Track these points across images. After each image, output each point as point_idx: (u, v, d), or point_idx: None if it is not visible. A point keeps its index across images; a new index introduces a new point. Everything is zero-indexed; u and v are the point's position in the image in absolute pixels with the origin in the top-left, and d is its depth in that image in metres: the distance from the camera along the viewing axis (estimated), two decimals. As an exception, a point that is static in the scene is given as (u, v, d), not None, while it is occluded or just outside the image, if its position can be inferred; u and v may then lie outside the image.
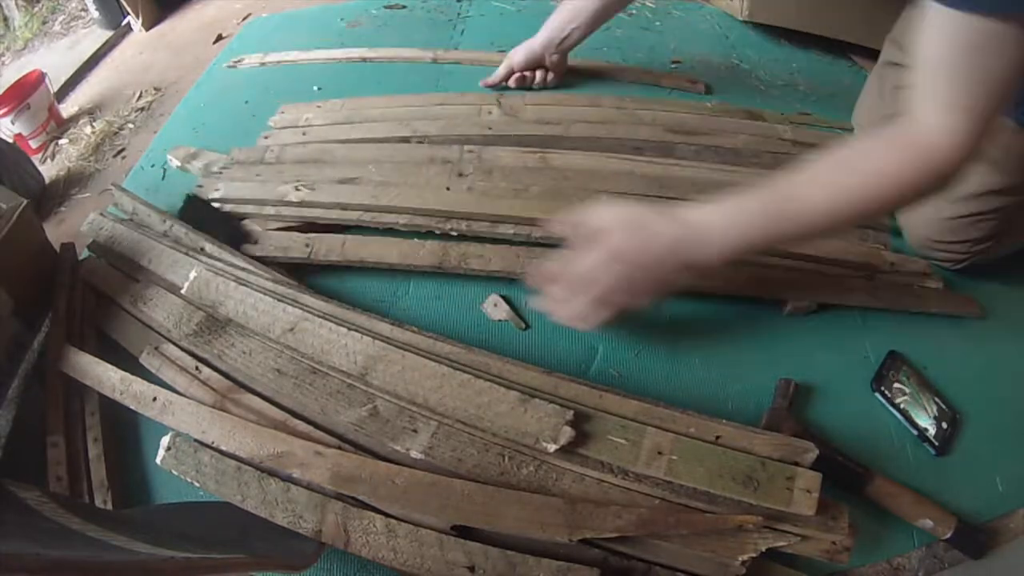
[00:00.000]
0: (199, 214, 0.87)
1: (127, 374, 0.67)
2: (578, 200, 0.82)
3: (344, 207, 0.85)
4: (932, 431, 0.68)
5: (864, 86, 1.01)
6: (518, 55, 1.08)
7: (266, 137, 1.01)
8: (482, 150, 0.93)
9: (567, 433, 0.56)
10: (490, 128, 0.98)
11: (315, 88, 1.17)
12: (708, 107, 1.08)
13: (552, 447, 0.56)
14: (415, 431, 0.59)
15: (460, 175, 0.88)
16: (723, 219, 0.55)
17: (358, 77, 1.20)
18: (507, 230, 0.82)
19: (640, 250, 0.56)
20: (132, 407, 0.66)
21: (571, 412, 0.58)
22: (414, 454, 0.58)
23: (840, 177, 0.53)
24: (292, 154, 0.96)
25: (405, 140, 0.97)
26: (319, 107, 1.07)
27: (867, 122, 0.98)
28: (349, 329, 0.66)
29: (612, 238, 0.57)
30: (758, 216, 0.54)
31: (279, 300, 0.69)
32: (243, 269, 0.75)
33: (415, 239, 0.83)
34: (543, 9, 1.44)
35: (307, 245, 0.82)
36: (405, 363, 0.63)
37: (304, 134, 1.00)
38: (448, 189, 0.86)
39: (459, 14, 1.39)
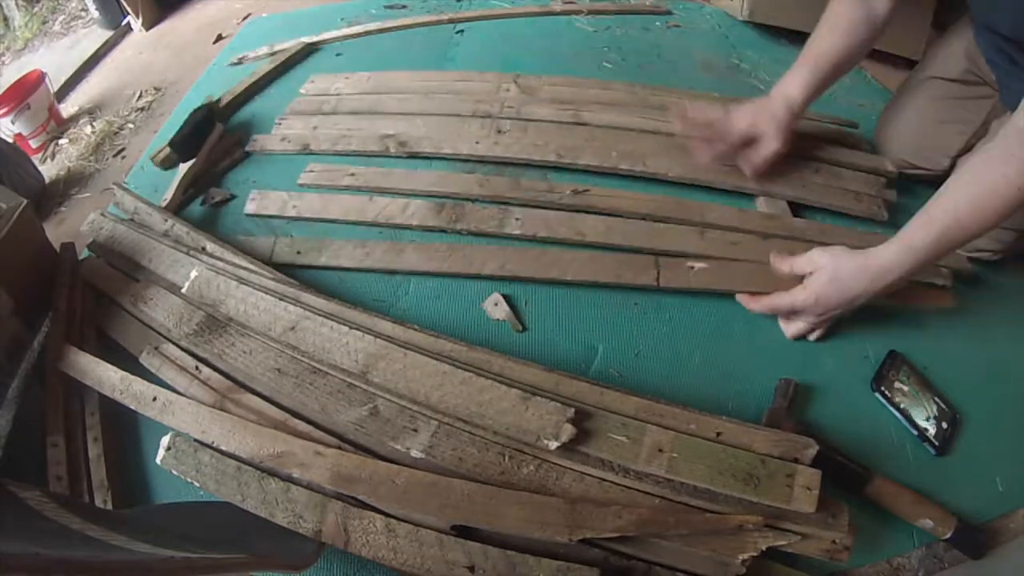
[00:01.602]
0: (198, 128, 0.96)
1: (127, 374, 0.67)
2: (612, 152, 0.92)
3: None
4: (932, 431, 0.68)
5: (890, 107, 1.00)
6: (742, 118, 0.85)
7: (310, 82, 1.10)
8: (520, 107, 1.00)
9: (568, 430, 0.56)
10: (510, 105, 1.02)
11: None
12: (715, 97, 1.09)
13: (554, 444, 0.56)
14: (415, 430, 0.59)
15: (499, 131, 0.97)
16: (902, 260, 0.67)
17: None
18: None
19: (836, 299, 0.70)
20: (132, 407, 0.66)
21: (572, 410, 0.58)
22: (415, 453, 0.58)
23: (985, 201, 0.63)
24: (348, 105, 1.05)
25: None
26: (347, 78, 1.12)
27: (909, 137, 0.95)
28: (350, 328, 0.66)
29: (815, 285, 0.71)
30: (931, 250, 0.66)
31: (280, 299, 0.69)
32: (244, 268, 0.75)
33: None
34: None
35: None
36: (407, 361, 0.63)
37: (335, 103, 1.08)
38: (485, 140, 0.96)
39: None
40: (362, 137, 0.98)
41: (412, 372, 0.62)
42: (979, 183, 0.63)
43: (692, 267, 0.79)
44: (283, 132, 1.02)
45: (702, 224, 0.84)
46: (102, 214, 0.84)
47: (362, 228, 0.87)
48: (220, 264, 0.75)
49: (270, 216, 0.90)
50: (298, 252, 0.83)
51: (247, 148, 1.01)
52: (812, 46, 0.84)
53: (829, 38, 0.83)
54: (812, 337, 0.76)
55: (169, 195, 0.90)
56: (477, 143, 0.95)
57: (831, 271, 0.69)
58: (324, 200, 0.89)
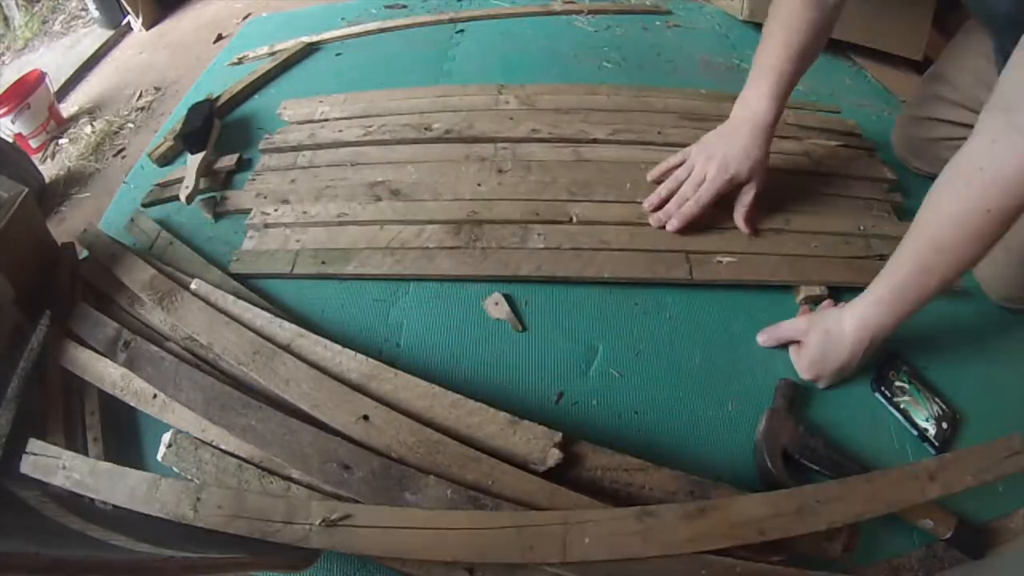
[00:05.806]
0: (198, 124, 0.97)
1: (127, 371, 0.67)
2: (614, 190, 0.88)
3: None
4: (932, 431, 0.68)
5: (897, 119, 1.02)
6: (721, 149, 0.80)
7: (278, 133, 1.01)
8: (516, 147, 0.95)
9: (555, 455, 0.57)
10: (511, 118, 0.98)
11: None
12: (702, 93, 1.10)
13: (541, 469, 0.57)
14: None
15: (500, 171, 0.91)
16: (885, 315, 0.63)
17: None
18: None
19: (828, 371, 0.70)
20: (132, 404, 0.66)
21: (559, 434, 0.58)
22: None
23: (969, 205, 0.55)
24: (325, 158, 0.96)
25: (428, 129, 0.98)
26: (321, 102, 1.07)
27: (905, 153, 0.99)
28: (344, 347, 0.67)
29: (804, 363, 0.71)
30: (913, 292, 0.61)
31: (275, 316, 0.71)
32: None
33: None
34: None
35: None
36: (397, 382, 0.64)
37: (322, 127, 1.01)
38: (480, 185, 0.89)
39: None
40: (348, 187, 0.90)
41: (403, 393, 0.63)
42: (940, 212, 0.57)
43: (720, 261, 0.80)
44: (257, 188, 0.92)
45: (721, 227, 0.84)
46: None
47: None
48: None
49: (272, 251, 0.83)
50: (323, 262, 0.80)
51: (218, 209, 0.90)
52: (768, 51, 0.78)
53: (786, 36, 0.75)
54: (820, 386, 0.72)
55: (190, 184, 0.90)
56: (479, 185, 0.89)
57: (817, 347, 0.68)
58: (330, 232, 0.84)
